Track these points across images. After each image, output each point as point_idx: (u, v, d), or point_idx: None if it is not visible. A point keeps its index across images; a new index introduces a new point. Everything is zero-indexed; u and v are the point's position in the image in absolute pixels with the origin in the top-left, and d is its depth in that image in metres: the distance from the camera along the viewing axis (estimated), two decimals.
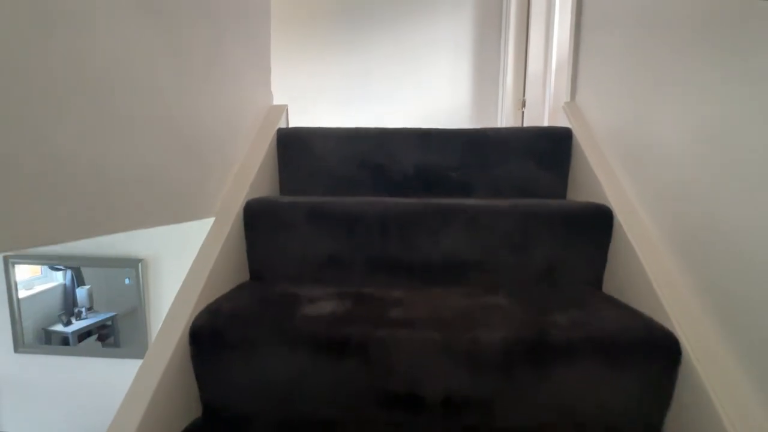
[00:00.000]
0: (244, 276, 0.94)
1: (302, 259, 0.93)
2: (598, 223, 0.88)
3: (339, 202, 0.93)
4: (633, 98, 0.91)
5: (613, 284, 0.87)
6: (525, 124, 1.96)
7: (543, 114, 1.93)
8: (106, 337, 2.78)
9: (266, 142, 1.11)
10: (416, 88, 2.02)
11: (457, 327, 0.70)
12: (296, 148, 1.15)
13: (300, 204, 0.92)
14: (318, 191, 1.14)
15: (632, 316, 0.74)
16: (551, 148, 1.11)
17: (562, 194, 1.11)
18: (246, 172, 1.02)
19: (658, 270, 0.77)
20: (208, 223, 0.89)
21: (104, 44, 0.58)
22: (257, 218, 0.93)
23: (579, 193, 1.06)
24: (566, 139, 1.11)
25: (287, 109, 1.24)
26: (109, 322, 2.74)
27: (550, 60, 1.91)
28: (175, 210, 0.77)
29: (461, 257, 0.90)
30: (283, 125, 1.21)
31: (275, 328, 0.70)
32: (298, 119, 2.03)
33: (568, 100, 1.21)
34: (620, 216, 0.86)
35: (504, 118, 1.97)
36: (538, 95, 1.94)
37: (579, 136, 1.08)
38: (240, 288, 0.86)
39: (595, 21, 1.11)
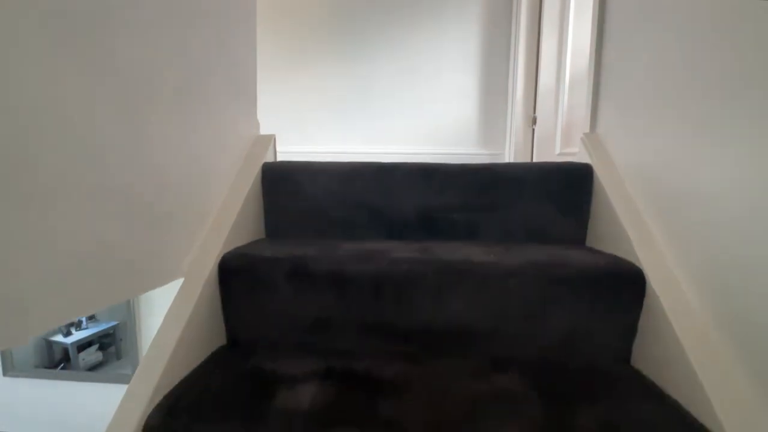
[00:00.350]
0: (220, 339, 0.83)
1: (285, 321, 0.81)
2: (628, 288, 0.76)
3: (326, 258, 0.81)
4: (671, 134, 0.78)
5: (644, 360, 0.75)
6: (536, 142, 1.83)
7: (555, 132, 1.80)
8: (108, 346, 2.70)
9: (249, 180, 1.00)
10: (419, 105, 1.90)
11: None
12: (283, 186, 1.03)
13: (282, 260, 0.81)
14: (308, 234, 1.03)
15: (672, 414, 0.62)
16: (568, 188, 0.98)
17: (581, 239, 0.99)
18: (224, 219, 0.90)
19: (701, 353, 0.64)
20: None
21: (22, 92, 0.47)
22: (233, 276, 0.81)
23: (602, 242, 0.93)
24: (586, 178, 0.98)
25: (275, 140, 1.12)
26: (111, 331, 2.65)
27: (564, 73, 1.77)
28: (129, 283, 0.66)
29: (467, 324, 0.78)
30: (269, 157, 1.09)
31: None
32: (292, 138, 1.92)
33: (588, 130, 1.08)
34: (654, 282, 0.73)
35: (513, 136, 1.84)
36: (550, 111, 1.81)
37: (601, 174, 0.96)
38: (210, 362, 0.75)
39: (622, 35, 0.98)
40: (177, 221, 0.77)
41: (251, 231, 1.00)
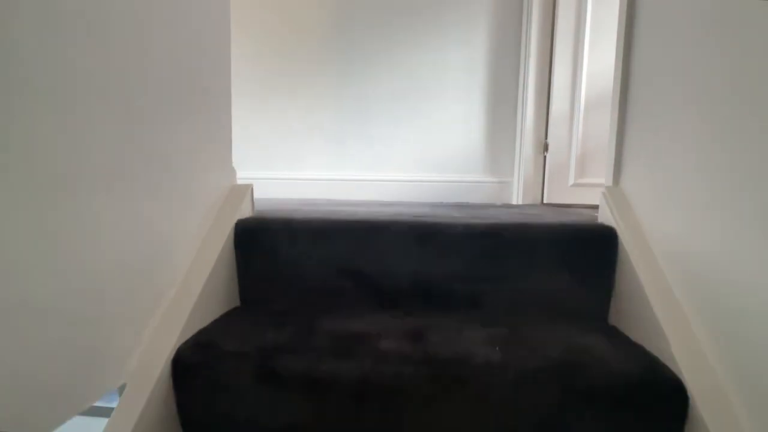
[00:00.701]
0: None
1: (251, 430, 0.69)
2: (664, 400, 0.62)
3: (301, 349, 0.68)
4: (728, 203, 0.64)
5: None
6: (548, 171, 1.68)
7: (569, 160, 1.65)
8: None
9: (220, 242, 0.87)
10: (420, 129, 1.76)
11: None
12: (259, 247, 0.91)
13: (248, 356, 0.68)
14: (289, 300, 0.90)
15: None
16: (588, 255, 0.84)
17: (603, 315, 0.85)
18: (187, 293, 0.78)
19: None
20: None
21: None
22: (190, 377, 0.69)
23: (627, 323, 0.79)
24: (609, 244, 0.84)
25: (251, 191, 0.99)
26: None
27: (579, 98, 1.62)
28: (50, 412, 0.54)
29: None
30: (245, 211, 0.97)
31: None
32: (282, 164, 1.79)
33: (610, 184, 0.94)
34: (700, 400, 0.59)
35: (523, 163, 1.69)
36: (563, 139, 1.66)
37: (626, 240, 0.81)
38: None
39: (657, 68, 0.83)
40: (119, 318, 0.64)
41: (223, 300, 0.87)
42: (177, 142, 0.77)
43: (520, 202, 1.71)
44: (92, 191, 0.58)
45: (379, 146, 1.80)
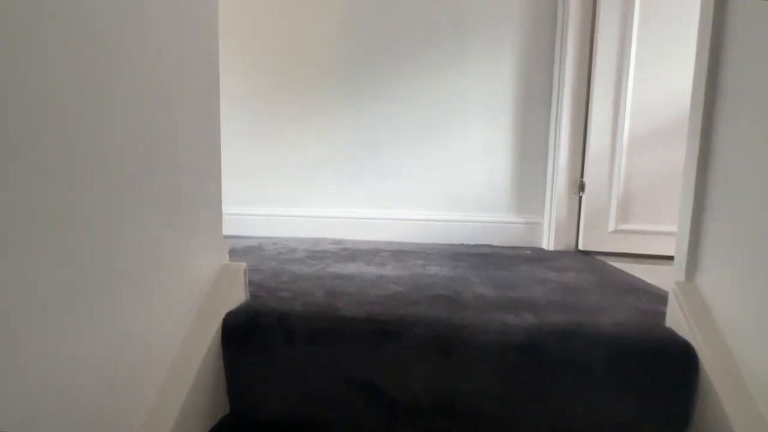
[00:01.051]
0: None
1: None
2: None
3: None
4: None
5: None
6: (584, 213, 1.49)
7: (609, 203, 1.46)
8: None
9: (205, 343, 0.73)
10: (439, 162, 1.59)
11: None
12: (250, 348, 0.76)
13: None
14: (283, 413, 0.76)
15: None
16: (654, 376, 0.67)
17: None
18: (159, 420, 0.64)
19: None
20: None
21: None
22: None
23: None
24: (686, 365, 0.66)
25: (245, 272, 0.85)
26: None
27: (621, 135, 1.43)
28: None
29: None
30: (236, 298, 0.82)
31: None
32: (289, 198, 1.63)
33: (682, 278, 0.75)
34: None
35: (555, 204, 1.51)
36: (602, 179, 1.47)
37: (709, 365, 0.64)
38: None
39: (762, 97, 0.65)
40: None
41: (208, 412, 0.74)
42: (148, 217, 0.63)
43: (551, 247, 1.53)
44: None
45: (393, 181, 1.64)
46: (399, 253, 1.37)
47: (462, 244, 1.59)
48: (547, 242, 1.55)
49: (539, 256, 1.40)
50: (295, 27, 1.62)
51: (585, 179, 1.49)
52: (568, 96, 1.48)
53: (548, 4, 1.51)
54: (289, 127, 1.67)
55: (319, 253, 1.34)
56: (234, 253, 1.32)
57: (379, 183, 1.65)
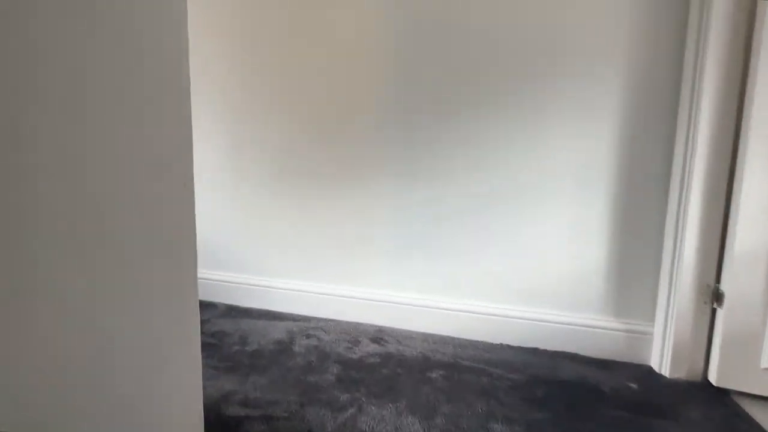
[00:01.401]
0: None
1: None
2: None
3: None
4: None
5: None
6: (722, 333, 1.04)
7: (765, 326, 1.00)
8: None
9: None
10: (508, 247, 1.26)
11: None
12: None
13: None
14: None
15: None
16: None
17: None
18: None
19: None
20: None
21: None
22: None
23: None
24: None
25: None
26: None
27: None
28: None
29: None
30: None
31: None
32: (328, 276, 1.41)
33: None
34: None
35: (674, 316, 1.08)
36: (753, 288, 1.01)
37: None
38: None
39: None
40: None
41: None
42: None
43: (666, 372, 1.11)
44: None
45: (449, 265, 1.36)
46: (454, 369, 1.11)
47: (536, 350, 1.25)
48: (660, 363, 1.13)
49: (653, 397, 1.01)
50: (340, 84, 1.42)
51: (723, 287, 1.04)
52: (700, 168, 1.04)
53: (670, 41, 1.09)
54: (319, 198, 1.49)
55: (356, 363, 1.15)
56: (260, 355, 1.19)
57: (430, 266, 1.39)
